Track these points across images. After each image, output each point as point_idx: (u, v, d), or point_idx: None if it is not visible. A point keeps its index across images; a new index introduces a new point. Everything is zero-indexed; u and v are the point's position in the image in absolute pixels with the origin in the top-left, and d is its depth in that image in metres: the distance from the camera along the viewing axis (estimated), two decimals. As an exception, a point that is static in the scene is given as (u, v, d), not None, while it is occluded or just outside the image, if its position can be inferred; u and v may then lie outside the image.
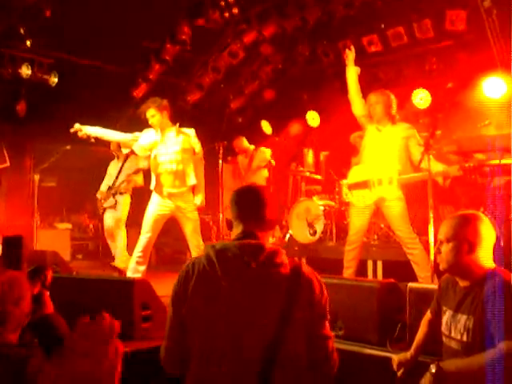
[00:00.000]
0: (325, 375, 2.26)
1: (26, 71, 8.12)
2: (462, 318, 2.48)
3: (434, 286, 3.08)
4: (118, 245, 7.65)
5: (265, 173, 8.88)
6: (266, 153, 8.92)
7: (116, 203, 7.67)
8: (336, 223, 7.78)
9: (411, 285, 3.56)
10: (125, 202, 7.67)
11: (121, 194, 7.67)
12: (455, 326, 2.51)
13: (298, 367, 2.10)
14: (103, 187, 7.95)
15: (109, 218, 7.79)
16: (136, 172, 7.58)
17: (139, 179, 7.64)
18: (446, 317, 2.60)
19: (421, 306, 3.17)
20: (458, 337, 2.49)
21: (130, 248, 6.31)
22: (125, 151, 6.18)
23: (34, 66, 8.20)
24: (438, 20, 8.33)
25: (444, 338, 2.61)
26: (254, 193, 2.38)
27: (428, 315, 2.88)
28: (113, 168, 8.05)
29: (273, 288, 2.11)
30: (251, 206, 2.33)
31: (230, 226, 2.48)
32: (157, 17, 7.99)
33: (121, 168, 7.82)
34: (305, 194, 8.93)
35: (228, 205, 2.48)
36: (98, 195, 7.92)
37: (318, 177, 9.24)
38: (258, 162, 8.94)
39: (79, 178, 8.28)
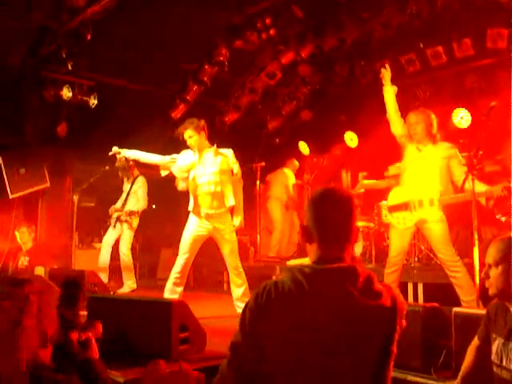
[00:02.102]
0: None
1: (67, 93, 8.30)
2: (515, 347, 2.36)
3: (482, 312, 2.96)
4: (126, 268, 8.07)
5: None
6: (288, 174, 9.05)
7: (115, 225, 8.15)
8: (375, 245, 7.66)
9: (456, 309, 3.43)
10: (125, 228, 8.12)
11: (126, 222, 8.09)
12: (507, 356, 2.39)
13: None
14: (117, 204, 8.35)
15: (109, 237, 8.22)
16: (131, 214, 8.02)
17: (134, 222, 8.09)
18: (497, 345, 2.48)
19: (467, 332, 3.04)
20: (511, 366, 2.37)
21: (167, 269, 6.30)
22: (163, 173, 6.22)
23: (74, 89, 8.37)
24: (479, 38, 8.23)
25: (495, 368, 2.49)
26: (345, 204, 1.99)
27: (476, 342, 2.76)
28: (124, 188, 8.48)
29: (377, 322, 1.85)
30: (342, 223, 1.97)
31: (309, 238, 2.01)
32: (195, 38, 8.09)
33: (129, 191, 8.12)
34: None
35: (305, 210, 2.06)
36: (110, 211, 8.30)
37: (358, 191, 9.14)
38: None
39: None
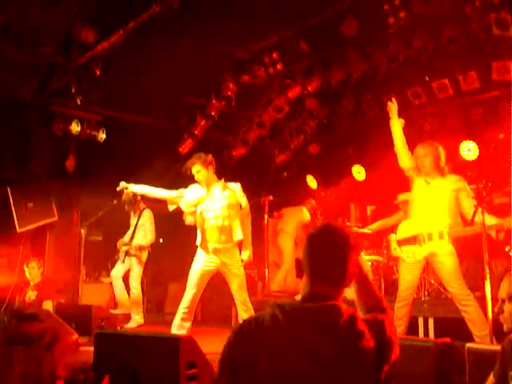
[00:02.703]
0: None
1: (75, 128, 8.39)
2: (533, 385, 2.30)
3: (496, 347, 2.89)
4: (135, 303, 8.08)
5: None
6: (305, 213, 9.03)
7: (124, 259, 8.19)
8: (384, 279, 7.59)
9: (470, 345, 3.36)
10: (135, 263, 8.16)
11: (135, 256, 8.15)
12: (525, 393, 2.33)
13: None
14: (125, 238, 8.36)
15: (118, 270, 8.25)
16: (141, 248, 8.09)
17: (144, 255, 8.18)
18: (514, 383, 2.42)
19: (482, 369, 2.97)
20: (529, 405, 2.31)
21: (175, 304, 6.25)
22: (171, 208, 6.23)
23: (83, 123, 8.46)
24: (484, 71, 8.28)
25: (512, 407, 2.43)
26: (338, 241, 1.96)
27: (491, 379, 2.68)
28: (131, 222, 8.50)
29: (355, 364, 1.77)
30: (333, 259, 1.94)
31: (299, 273, 1.99)
32: (202, 73, 8.16)
33: (136, 225, 8.12)
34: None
35: (301, 246, 2.06)
36: (118, 244, 8.33)
37: (366, 231, 9.09)
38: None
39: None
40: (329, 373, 1.74)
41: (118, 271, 8.22)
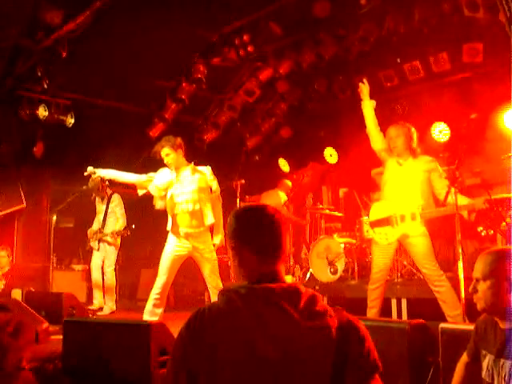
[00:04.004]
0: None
1: (43, 113, 8.19)
2: (506, 364, 2.27)
3: (469, 327, 2.88)
4: (109, 289, 8.05)
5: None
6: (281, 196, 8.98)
7: (99, 248, 8.13)
8: (357, 261, 7.61)
9: (443, 325, 3.35)
10: (110, 250, 8.13)
11: (109, 244, 8.07)
12: (498, 373, 2.31)
13: None
14: (95, 226, 8.29)
15: (97, 258, 8.16)
16: (118, 234, 8.04)
17: (118, 241, 8.16)
18: (487, 362, 2.40)
19: (455, 348, 2.96)
20: (503, 384, 2.29)
21: (147, 290, 6.17)
22: (141, 192, 6.11)
23: (50, 108, 8.26)
24: (455, 52, 8.30)
25: (485, 386, 2.41)
26: (270, 216, 1.90)
27: (464, 358, 2.67)
28: (99, 208, 8.39)
29: (322, 345, 1.70)
30: (276, 238, 1.87)
31: (241, 257, 1.90)
32: (172, 56, 8.03)
33: (106, 211, 8.03)
34: (324, 232, 8.78)
35: (230, 231, 1.95)
36: (88, 234, 8.26)
37: (338, 214, 9.09)
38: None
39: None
40: (293, 355, 1.69)
41: (97, 260, 8.11)
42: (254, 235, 1.90)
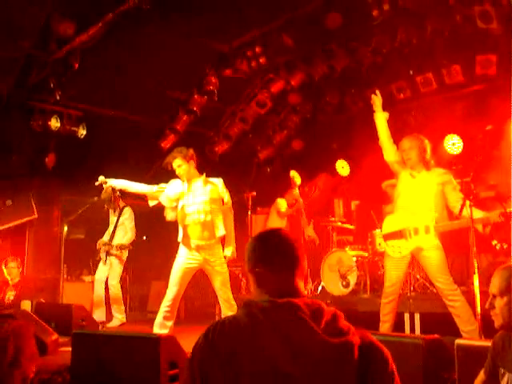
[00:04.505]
0: None
1: (55, 124, 8.21)
2: (526, 383, 2.21)
3: (486, 343, 2.81)
4: (115, 301, 7.90)
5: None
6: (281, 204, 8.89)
7: (106, 259, 7.98)
8: (370, 274, 7.53)
9: (459, 341, 3.27)
10: (115, 263, 7.99)
11: (116, 255, 7.97)
12: (517, 391, 2.24)
13: None
14: (105, 237, 8.18)
15: (101, 272, 8.01)
16: (122, 248, 7.91)
17: (124, 255, 8.01)
18: (506, 380, 2.33)
19: (471, 365, 2.89)
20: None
21: (158, 301, 6.13)
22: (151, 203, 6.09)
23: (63, 119, 8.28)
24: (468, 65, 8.26)
25: (505, 405, 2.34)
26: (285, 238, 1.94)
27: (482, 376, 2.60)
28: (111, 220, 8.31)
29: (344, 362, 1.66)
30: (287, 253, 1.90)
31: (259, 277, 1.93)
32: (184, 68, 8.04)
33: (116, 223, 7.99)
34: (336, 245, 8.71)
35: (249, 253, 1.98)
36: (98, 245, 8.12)
37: (350, 226, 9.03)
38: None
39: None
40: (315, 371, 1.65)
41: (101, 274, 8.02)
42: (272, 255, 1.91)
